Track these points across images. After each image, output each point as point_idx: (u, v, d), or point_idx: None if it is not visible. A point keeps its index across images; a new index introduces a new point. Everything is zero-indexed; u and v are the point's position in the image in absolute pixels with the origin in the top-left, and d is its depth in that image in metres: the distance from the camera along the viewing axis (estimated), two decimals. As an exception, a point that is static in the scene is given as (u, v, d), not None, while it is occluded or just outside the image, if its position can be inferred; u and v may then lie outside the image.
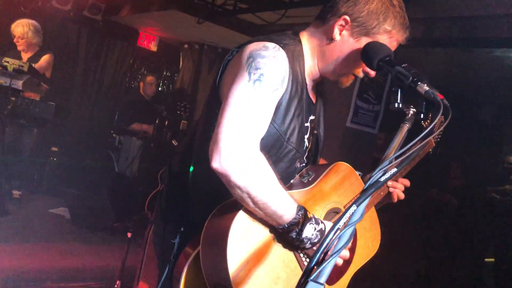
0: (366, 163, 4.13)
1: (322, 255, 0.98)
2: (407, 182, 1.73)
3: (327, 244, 0.99)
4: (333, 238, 0.99)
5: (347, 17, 1.47)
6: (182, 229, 1.50)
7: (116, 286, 3.74)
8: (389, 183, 1.70)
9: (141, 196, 5.28)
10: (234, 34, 5.85)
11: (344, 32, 1.49)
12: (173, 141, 3.79)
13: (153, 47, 7.47)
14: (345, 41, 1.50)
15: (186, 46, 7.55)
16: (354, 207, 1.05)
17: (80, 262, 4.30)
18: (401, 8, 1.50)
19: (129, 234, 3.81)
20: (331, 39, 1.51)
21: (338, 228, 1.01)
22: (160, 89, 8.05)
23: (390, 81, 3.89)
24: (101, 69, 7.27)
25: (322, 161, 1.77)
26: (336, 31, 1.49)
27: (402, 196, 1.72)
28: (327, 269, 0.94)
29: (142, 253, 3.67)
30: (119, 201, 5.18)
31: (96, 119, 7.29)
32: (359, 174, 1.72)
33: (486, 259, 6.73)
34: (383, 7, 1.46)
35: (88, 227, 5.05)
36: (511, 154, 7.61)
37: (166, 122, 5.93)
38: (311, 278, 0.93)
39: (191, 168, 1.51)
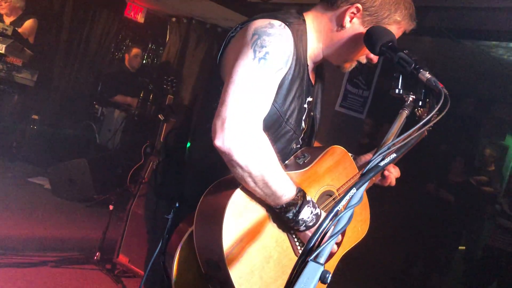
0: (351, 147, 4.16)
1: (321, 237, 1.00)
2: (399, 173, 1.76)
3: (327, 225, 1.00)
4: (333, 220, 1.01)
5: (360, 6, 1.46)
6: (176, 205, 1.49)
7: (95, 257, 3.74)
8: None
9: (123, 169, 5.24)
10: (224, 10, 5.77)
11: (355, 20, 1.48)
12: (159, 115, 3.74)
13: (140, 18, 7.31)
14: (355, 29, 1.49)
15: (174, 19, 7.42)
16: (353, 190, 1.07)
17: (59, 232, 4.27)
18: None
19: (111, 207, 3.80)
20: (341, 26, 1.49)
21: (338, 210, 1.02)
22: (144, 62, 7.92)
23: (380, 68, 3.90)
24: (86, 38, 7.10)
25: (316, 144, 1.78)
26: (347, 18, 1.48)
27: (394, 182, 1.75)
28: (326, 249, 0.95)
29: (124, 226, 3.66)
30: (100, 173, 5.14)
31: (79, 89, 7.15)
32: (352, 156, 1.74)
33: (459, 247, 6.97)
34: None
35: (68, 198, 5.01)
36: (488, 146, 7.80)
37: (151, 96, 5.85)
38: (311, 258, 0.94)
39: (188, 144, 1.50)
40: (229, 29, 1.49)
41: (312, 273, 0.90)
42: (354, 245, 1.64)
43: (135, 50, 6.58)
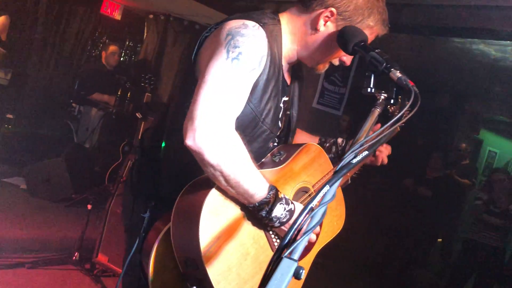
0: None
1: (295, 233, 1.02)
2: (390, 150, 1.82)
3: (300, 222, 1.02)
4: (306, 217, 1.03)
5: (334, 10, 1.48)
6: (152, 203, 1.50)
7: (74, 257, 3.71)
8: None
9: (101, 168, 5.20)
10: (202, 7, 5.75)
11: (329, 24, 1.50)
12: (137, 114, 3.73)
13: (117, 15, 7.24)
14: (329, 32, 1.51)
15: (151, 16, 7.36)
16: (327, 187, 1.09)
17: (37, 233, 4.21)
18: (383, 3, 1.53)
19: (89, 206, 3.77)
20: (315, 29, 1.52)
21: (311, 207, 1.05)
22: (122, 59, 7.84)
23: (356, 65, 3.95)
24: (61, 35, 6.99)
25: (295, 142, 1.81)
26: (322, 22, 1.50)
27: (386, 160, 1.81)
28: (300, 246, 0.98)
29: (102, 225, 3.64)
30: (78, 172, 5.08)
31: (55, 88, 7.04)
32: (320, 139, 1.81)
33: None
34: (369, 3, 1.49)
35: (45, 198, 4.94)
36: (463, 140, 7.98)
37: (129, 94, 5.80)
38: (285, 254, 0.96)
39: (163, 144, 1.51)
40: (207, 26, 1.50)
41: (286, 269, 0.92)
42: (330, 239, 1.67)
43: (112, 48, 6.51)
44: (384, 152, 1.82)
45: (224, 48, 1.34)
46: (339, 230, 1.70)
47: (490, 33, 3.64)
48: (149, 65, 7.16)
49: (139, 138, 1.68)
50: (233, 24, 1.40)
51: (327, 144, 1.94)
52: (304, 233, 1.00)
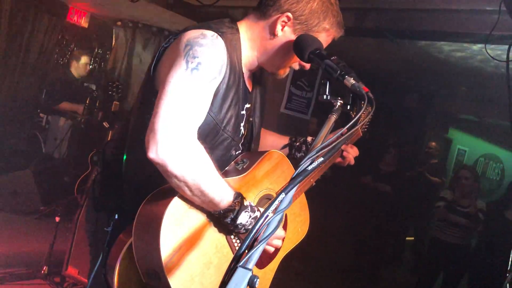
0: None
1: (252, 241, 1.03)
2: (357, 152, 1.87)
3: (256, 230, 1.03)
4: (262, 225, 1.04)
5: (290, 14, 1.51)
6: (116, 216, 1.48)
7: (43, 271, 3.64)
8: (343, 147, 1.85)
9: (70, 179, 5.10)
10: (170, 14, 5.72)
11: (286, 28, 1.53)
12: (104, 123, 3.69)
13: (84, 23, 7.13)
14: (287, 36, 1.54)
15: (119, 23, 7.28)
16: (282, 195, 1.11)
17: (4, 247, 4.10)
18: (337, 7, 1.57)
19: (57, 218, 3.71)
20: (273, 34, 1.54)
21: (267, 215, 1.06)
22: (91, 67, 7.72)
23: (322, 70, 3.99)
24: (26, 44, 6.82)
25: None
26: (279, 27, 1.53)
27: (353, 161, 1.86)
28: (255, 255, 0.99)
29: (72, 237, 3.58)
30: (46, 183, 4.98)
31: (21, 97, 6.86)
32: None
33: (407, 238, 7.24)
34: (323, 6, 1.52)
35: (12, 210, 4.82)
36: (433, 139, 8.15)
37: (97, 102, 5.72)
38: (240, 264, 0.97)
39: (124, 157, 1.50)
40: (176, 32, 1.50)
41: (240, 279, 0.93)
42: (295, 245, 1.69)
43: (83, 58, 6.44)
44: (352, 153, 1.87)
45: (183, 59, 1.35)
46: (303, 236, 1.72)
47: (451, 36, 3.74)
48: (118, 73, 7.08)
49: (101, 150, 1.65)
50: (192, 34, 1.40)
51: (297, 143, 1.96)
52: (260, 242, 1.02)
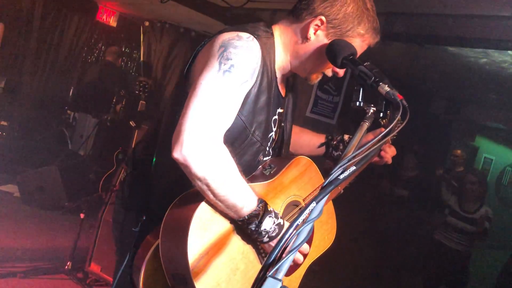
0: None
1: (281, 251, 1.01)
2: (395, 151, 1.81)
3: (286, 239, 1.01)
4: (292, 234, 1.02)
5: (323, 18, 1.48)
6: (144, 217, 1.48)
7: (66, 266, 3.69)
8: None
9: (95, 176, 5.18)
10: (197, 15, 5.75)
11: (319, 32, 1.50)
12: (130, 122, 3.71)
13: (113, 22, 7.23)
14: (319, 41, 1.51)
15: (147, 23, 7.36)
16: (313, 204, 1.08)
17: (29, 242, 4.19)
18: (374, 12, 1.53)
19: (82, 215, 3.75)
20: (305, 38, 1.51)
21: (297, 224, 1.04)
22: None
23: (350, 74, 3.96)
24: (57, 42, 6.97)
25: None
26: (311, 30, 1.50)
27: (390, 161, 1.81)
28: (285, 265, 0.97)
29: (95, 234, 3.62)
30: (72, 180, 5.06)
31: (50, 94, 7.02)
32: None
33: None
34: (358, 11, 1.48)
35: (38, 205, 4.91)
36: (458, 147, 7.99)
37: (124, 101, 5.79)
38: (270, 274, 0.95)
39: (154, 159, 1.50)
40: (203, 33, 1.50)
41: (270, 289, 0.91)
42: (321, 254, 1.66)
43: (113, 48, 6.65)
44: (389, 152, 1.82)
45: (216, 60, 1.33)
46: (330, 244, 1.69)
47: (482, 42, 3.65)
48: (145, 73, 7.16)
49: (131, 151, 1.65)
50: (227, 36, 1.39)
51: (334, 142, 1.93)
52: (290, 252, 1.00)
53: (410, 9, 3.92)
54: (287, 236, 1.01)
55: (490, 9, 3.35)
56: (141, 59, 7.37)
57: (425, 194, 5.84)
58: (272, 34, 1.53)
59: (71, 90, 6.96)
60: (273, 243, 1.41)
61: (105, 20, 7.22)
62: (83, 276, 3.68)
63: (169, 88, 7.04)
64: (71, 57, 7.22)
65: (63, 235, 4.37)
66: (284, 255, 0.99)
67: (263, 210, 1.36)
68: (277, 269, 0.96)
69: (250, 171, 1.53)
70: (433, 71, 5.92)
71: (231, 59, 1.33)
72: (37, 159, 5.48)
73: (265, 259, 1.45)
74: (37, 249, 4.06)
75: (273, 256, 0.99)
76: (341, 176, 1.17)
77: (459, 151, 7.20)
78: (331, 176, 1.15)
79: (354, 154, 1.21)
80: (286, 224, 1.44)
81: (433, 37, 3.93)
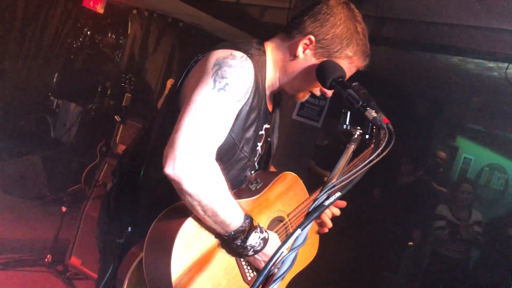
0: (307, 153, 4.28)
1: (266, 278, 1.03)
2: (343, 204, 1.75)
3: (271, 267, 1.04)
4: (278, 261, 1.04)
5: (312, 37, 1.50)
6: (129, 229, 1.49)
7: (46, 260, 3.67)
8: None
9: (78, 167, 5.14)
10: (185, 6, 5.70)
11: (308, 51, 1.52)
12: (116, 117, 3.69)
13: (100, 9, 7.09)
14: (307, 59, 1.52)
15: (135, 11, 7.26)
16: (299, 231, 1.11)
17: (8, 232, 4.15)
18: (364, 36, 1.54)
19: (63, 209, 3.73)
20: (294, 56, 1.53)
21: (282, 252, 1.06)
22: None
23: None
24: (41, 28, 6.83)
25: (272, 168, 1.82)
26: (300, 49, 1.51)
27: (330, 224, 1.75)
28: (270, 293, 0.99)
29: (77, 228, 3.61)
30: (54, 170, 5.01)
31: (33, 80, 6.89)
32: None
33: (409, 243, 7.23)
34: (347, 33, 1.50)
35: (19, 195, 4.86)
36: (440, 147, 8.12)
37: (109, 91, 5.74)
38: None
39: (142, 171, 1.50)
40: (191, 24, 1.49)
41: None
42: (303, 268, 1.70)
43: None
44: (328, 214, 1.74)
45: (211, 78, 1.34)
46: (312, 258, 1.72)
47: (469, 52, 3.70)
48: (132, 63, 7.08)
49: (118, 162, 1.65)
50: (221, 54, 1.40)
51: None
52: (275, 280, 1.02)
53: (400, 15, 3.95)
54: (272, 262, 1.03)
55: (479, 20, 3.40)
56: (128, 47, 7.28)
57: (409, 194, 5.92)
58: (264, 52, 1.54)
59: (55, 76, 6.84)
60: (258, 256, 1.44)
61: (92, 6, 7.08)
62: (63, 269, 3.67)
63: (156, 80, 6.99)
64: (56, 42, 7.08)
65: (43, 227, 4.33)
66: (268, 284, 1.01)
67: (249, 226, 1.39)
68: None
69: (236, 185, 1.55)
70: (417, 72, 6.00)
71: (225, 78, 1.34)
72: (18, 147, 5.40)
73: (247, 272, 1.48)
74: (16, 240, 4.02)
75: (258, 283, 1.02)
76: (326, 203, 1.19)
77: (443, 154, 7.29)
78: (316, 202, 1.18)
79: (338, 180, 1.23)
80: (272, 236, 1.47)
81: (421, 44, 3.97)
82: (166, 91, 5.83)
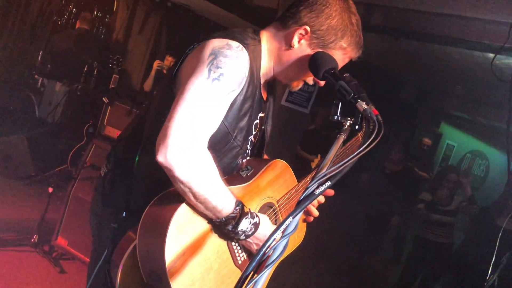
0: (295, 138, 4.33)
1: (258, 265, 1.07)
2: (331, 192, 1.79)
3: (263, 253, 1.08)
4: (269, 248, 1.08)
5: (308, 28, 1.52)
6: (124, 214, 1.51)
7: (33, 240, 3.68)
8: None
9: (64, 147, 5.10)
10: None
11: (303, 41, 1.54)
12: (103, 98, 3.66)
13: (85, -15, 6.98)
14: (302, 50, 1.55)
15: (122, -11, 7.15)
16: (290, 219, 1.15)
17: (-6, 212, 4.14)
18: (358, 27, 1.57)
19: (50, 189, 3.72)
20: (289, 46, 1.55)
21: (274, 239, 1.10)
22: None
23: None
24: (25, 5, 6.68)
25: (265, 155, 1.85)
26: (296, 39, 1.53)
27: (316, 213, 1.81)
28: (261, 280, 1.03)
29: (64, 208, 3.61)
30: (39, 150, 4.97)
31: (17, 57, 6.76)
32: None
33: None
34: (342, 25, 1.52)
35: (4, 175, 4.82)
36: (424, 133, 8.23)
37: (95, 71, 5.67)
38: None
39: (137, 158, 1.52)
40: (179, 4, 1.50)
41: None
42: (291, 251, 1.74)
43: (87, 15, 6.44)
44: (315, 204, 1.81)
45: (206, 67, 1.36)
46: (299, 242, 1.77)
47: (456, 41, 3.75)
48: (118, 43, 6.99)
49: (112, 148, 1.66)
50: (217, 43, 1.41)
51: None
52: (266, 266, 1.06)
53: (389, 2, 3.98)
54: (264, 249, 1.07)
55: (467, 10, 3.44)
56: (114, 28, 7.17)
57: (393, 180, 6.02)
58: (259, 41, 1.55)
59: (40, 54, 6.72)
60: (250, 240, 1.48)
61: (77, -18, 6.96)
62: (49, 249, 3.68)
63: (142, 61, 6.92)
64: (41, 19, 6.94)
65: (29, 207, 4.32)
66: (259, 270, 1.05)
67: (240, 212, 1.42)
68: (253, 284, 1.02)
69: (228, 172, 1.58)
70: (404, 59, 6.05)
71: (220, 68, 1.35)
72: (2, 126, 5.33)
73: (238, 255, 1.52)
74: (2, 220, 4.01)
75: (250, 269, 1.05)
76: (317, 192, 1.23)
77: (428, 140, 7.38)
78: (307, 191, 1.22)
79: (329, 170, 1.27)
80: (263, 219, 1.51)
81: (408, 32, 4.01)
82: (152, 73, 5.80)
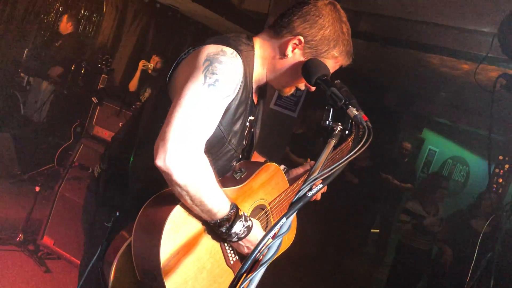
0: (283, 141, 4.38)
1: (252, 264, 1.12)
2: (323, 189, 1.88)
3: (257, 253, 1.12)
4: (263, 248, 1.13)
5: (302, 38, 1.57)
6: (117, 214, 1.54)
7: (18, 239, 3.65)
8: None
9: (50, 147, 5.07)
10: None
11: (297, 51, 1.59)
12: (93, 98, 3.66)
13: (74, -16, 6.94)
14: (296, 58, 1.60)
15: (110, -12, 7.12)
16: (283, 220, 1.19)
17: (-22, 210, 4.09)
18: (349, 36, 1.63)
19: (37, 189, 3.70)
20: (283, 55, 1.60)
21: (269, 238, 1.14)
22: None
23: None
24: (12, 1, 6.62)
25: (255, 154, 1.90)
26: (290, 48, 1.59)
27: (319, 197, 1.91)
28: (256, 278, 1.08)
29: (50, 208, 3.60)
30: (25, 148, 4.94)
31: (2, 54, 6.69)
32: (284, 169, 1.89)
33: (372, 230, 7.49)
34: (335, 35, 1.58)
35: (-12, 173, 4.78)
36: (406, 139, 8.36)
37: (83, 70, 5.64)
38: (241, 286, 1.06)
39: (131, 159, 1.55)
40: (168, 6, 1.53)
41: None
42: (281, 253, 1.79)
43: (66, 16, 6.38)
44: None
45: (201, 73, 1.39)
46: (290, 244, 1.82)
47: (441, 49, 3.85)
48: (107, 43, 6.96)
49: (106, 150, 1.69)
50: (212, 49, 1.45)
51: None
52: (261, 265, 1.10)
53: (376, 10, 4.06)
54: (258, 249, 1.11)
55: (452, 20, 3.54)
56: (103, 29, 7.13)
57: (375, 184, 6.13)
58: (252, 47, 1.60)
59: (25, 51, 6.65)
60: (242, 242, 1.52)
61: (65, -19, 6.91)
62: (35, 249, 3.66)
63: (123, 59, 6.89)
64: (28, 17, 6.88)
65: (15, 206, 4.28)
66: (254, 269, 1.10)
67: (234, 215, 1.46)
68: (248, 282, 1.06)
69: (222, 174, 1.63)
70: (388, 65, 6.17)
71: (216, 74, 1.39)
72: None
73: (230, 256, 1.56)
74: (-14, 219, 3.98)
75: (244, 269, 1.10)
76: (309, 194, 1.28)
77: (408, 145, 7.50)
78: (300, 193, 1.26)
79: (322, 173, 1.32)
80: (255, 224, 1.55)
81: (394, 39, 4.11)
82: (138, 73, 5.78)
